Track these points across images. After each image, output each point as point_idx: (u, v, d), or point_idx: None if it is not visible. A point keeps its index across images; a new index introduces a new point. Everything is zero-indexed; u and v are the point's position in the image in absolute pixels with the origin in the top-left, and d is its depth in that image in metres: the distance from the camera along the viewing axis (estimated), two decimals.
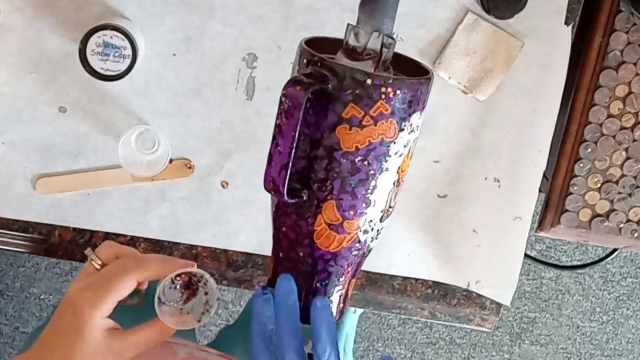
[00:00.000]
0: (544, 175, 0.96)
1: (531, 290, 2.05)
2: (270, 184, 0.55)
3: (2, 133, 0.89)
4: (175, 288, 0.67)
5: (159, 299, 0.66)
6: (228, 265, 0.95)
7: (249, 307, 1.35)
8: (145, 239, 0.93)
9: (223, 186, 0.93)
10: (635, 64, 0.94)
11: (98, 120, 0.90)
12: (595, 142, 0.96)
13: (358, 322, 1.80)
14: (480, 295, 0.99)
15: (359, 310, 1.75)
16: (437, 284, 0.98)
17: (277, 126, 0.54)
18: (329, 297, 0.61)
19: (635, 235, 0.98)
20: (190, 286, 0.68)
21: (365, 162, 0.56)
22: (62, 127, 0.90)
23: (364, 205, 0.58)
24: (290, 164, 0.54)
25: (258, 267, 0.95)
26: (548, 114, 0.94)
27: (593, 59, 0.95)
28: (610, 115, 0.95)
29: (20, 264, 1.89)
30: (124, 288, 0.64)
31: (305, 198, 0.57)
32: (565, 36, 0.92)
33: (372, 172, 0.57)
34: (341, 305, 0.63)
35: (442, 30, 0.91)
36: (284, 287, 0.59)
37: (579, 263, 1.96)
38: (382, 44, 0.57)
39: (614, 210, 0.98)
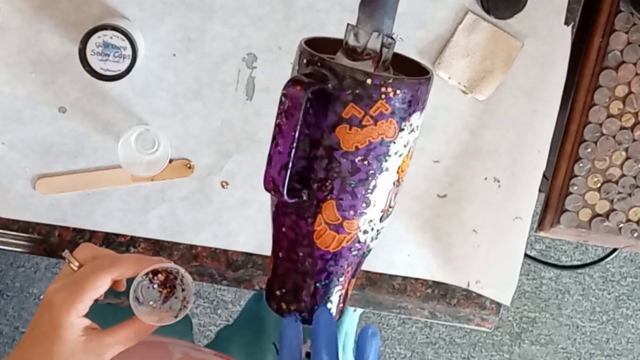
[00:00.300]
0: (544, 175, 0.96)
1: (531, 290, 2.05)
2: (270, 184, 0.55)
3: (2, 133, 0.89)
4: (153, 287, 0.68)
5: (137, 299, 0.68)
6: (228, 265, 0.95)
7: (247, 307, 1.35)
8: (145, 239, 0.93)
9: (223, 186, 0.93)
10: (635, 64, 0.94)
11: (98, 121, 0.90)
12: (595, 142, 0.96)
13: (359, 321, 1.80)
14: (480, 295, 0.99)
15: (359, 310, 1.75)
16: (437, 284, 0.98)
17: (277, 126, 0.54)
18: (328, 297, 0.61)
19: (635, 235, 0.98)
20: (167, 283, 0.69)
21: (365, 162, 0.56)
22: (62, 127, 0.90)
23: (364, 205, 0.58)
24: (290, 164, 0.54)
25: (258, 267, 0.95)
26: (548, 114, 0.93)
27: (593, 59, 0.95)
28: (610, 115, 0.95)
29: (20, 264, 1.89)
30: (99, 286, 0.65)
31: (305, 198, 0.57)
32: (565, 36, 0.92)
33: (372, 172, 0.57)
34: (341, 305, 0.63)
35: (442, 31, 0.91)
36: (325, 318, 0.60)
37: (579, 263, 1.97)
38: (382, 44, 0.57)
39: (613, 210, 0.98)
